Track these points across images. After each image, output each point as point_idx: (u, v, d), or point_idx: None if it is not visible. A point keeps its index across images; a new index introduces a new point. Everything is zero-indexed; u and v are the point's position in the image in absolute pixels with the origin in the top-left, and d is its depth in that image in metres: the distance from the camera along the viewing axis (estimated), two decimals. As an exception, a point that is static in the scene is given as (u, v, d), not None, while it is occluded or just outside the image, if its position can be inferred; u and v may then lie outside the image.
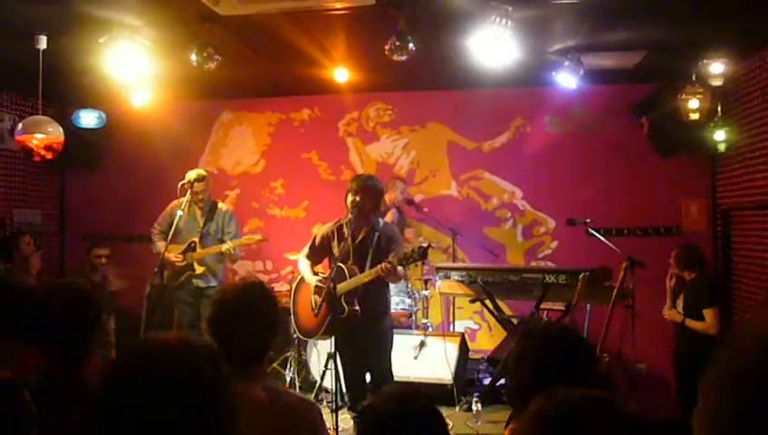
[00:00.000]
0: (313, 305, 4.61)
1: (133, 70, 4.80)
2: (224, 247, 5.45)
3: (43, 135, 4.77)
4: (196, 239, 5.56)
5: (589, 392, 1.04)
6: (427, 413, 1.71)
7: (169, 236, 5.33)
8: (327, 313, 4.49)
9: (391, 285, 4.94)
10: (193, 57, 4.74)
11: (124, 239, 7.34)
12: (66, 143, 4.95)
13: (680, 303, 5.12)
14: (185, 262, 5.52)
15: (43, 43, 4.72)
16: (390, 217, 6.05)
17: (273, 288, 2.52)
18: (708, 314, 4.91)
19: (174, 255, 5.48)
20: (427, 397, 1.74)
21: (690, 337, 4.97)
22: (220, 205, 5.82)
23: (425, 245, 4.32)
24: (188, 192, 5.49)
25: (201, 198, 5.60)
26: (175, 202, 5.64)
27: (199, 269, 5.55)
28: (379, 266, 4.25)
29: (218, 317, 2.28)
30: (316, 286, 4.57)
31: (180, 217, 5.42)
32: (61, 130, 4.88)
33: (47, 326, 2.17)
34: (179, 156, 7.09)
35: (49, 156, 4.84)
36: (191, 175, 5.55)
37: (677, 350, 5.17)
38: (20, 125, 4.87)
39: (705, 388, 0.72)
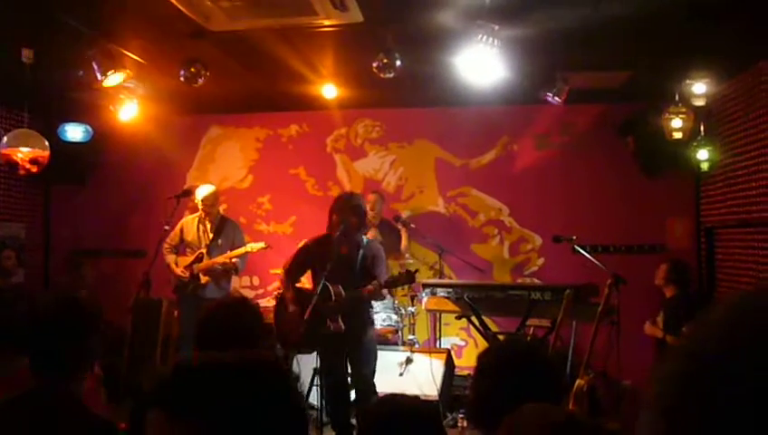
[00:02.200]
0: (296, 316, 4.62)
1: (121, 84, 4.80)
2: (224, 256, 5.63)
3: (29, 148, 4.75)
4: (204, 251, 5.72)
5: (540, 408, 1.04)
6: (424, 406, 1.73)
7: (165, 243, 5.66)
8: (311, 323, 4.49)
9: (378, 302, 4.97)
10: (182, 72, 4.76)
11: (110, 254, 7.28)
12: (52, 157, 4.93)
13: (660, 320, 5.14)
14: (189, 274, 5.69)
15: (29, 56, 4.71)
16: (372, 235, 6.05)
17: (257, 303, 2.53)
18: None
19: (181, 269, 5.70)
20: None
21: None
22: (231, 219, 6.02)
23: (412, 270, 4.50)
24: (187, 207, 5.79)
25: (209, 212, 5.77)
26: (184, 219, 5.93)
27: (204, 280, 5.69)
28: (366, 289, 4.40)
29: (202, 334, 2.29)
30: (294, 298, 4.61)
31: (184, 224, 5.78)
32: (46, 143, 4.86)
33: (37, 337, 2.08)
34: (167, 171, 7.08)
35: (34, 169, 4.81)
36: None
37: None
38: (5, 138, 4.84)
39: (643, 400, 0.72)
